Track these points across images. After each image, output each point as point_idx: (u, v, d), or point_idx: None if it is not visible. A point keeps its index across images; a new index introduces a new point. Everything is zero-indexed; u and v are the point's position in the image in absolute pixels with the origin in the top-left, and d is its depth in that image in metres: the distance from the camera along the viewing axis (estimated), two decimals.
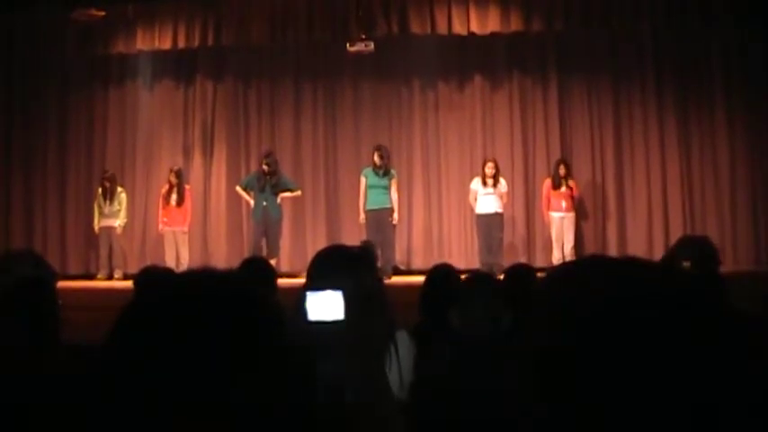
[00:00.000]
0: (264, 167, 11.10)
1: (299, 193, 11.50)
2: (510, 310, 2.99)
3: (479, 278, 3.50)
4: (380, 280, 2.32)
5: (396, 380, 2.27)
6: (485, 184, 11.00)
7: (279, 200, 11.12)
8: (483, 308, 2.98)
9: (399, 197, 11.14)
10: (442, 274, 4.62)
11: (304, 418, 0.90)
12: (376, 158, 10.83)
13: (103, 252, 11.77)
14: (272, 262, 9.92)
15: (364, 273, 2.23)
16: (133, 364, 0.88)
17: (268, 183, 11.03)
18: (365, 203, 10.78)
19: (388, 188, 10.81)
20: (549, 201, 11.32)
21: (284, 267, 11.03)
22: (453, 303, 3.09)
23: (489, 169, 11.01)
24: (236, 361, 0.87)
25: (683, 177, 11.87)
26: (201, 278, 0.96)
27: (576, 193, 11.40)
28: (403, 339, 2.46)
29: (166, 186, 11.69)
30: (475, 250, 11.33)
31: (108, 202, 11.67)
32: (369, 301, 2.14)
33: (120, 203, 11.72)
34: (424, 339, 3.35)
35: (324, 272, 2.27)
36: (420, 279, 5.27)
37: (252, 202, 11.16)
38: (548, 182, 11.42)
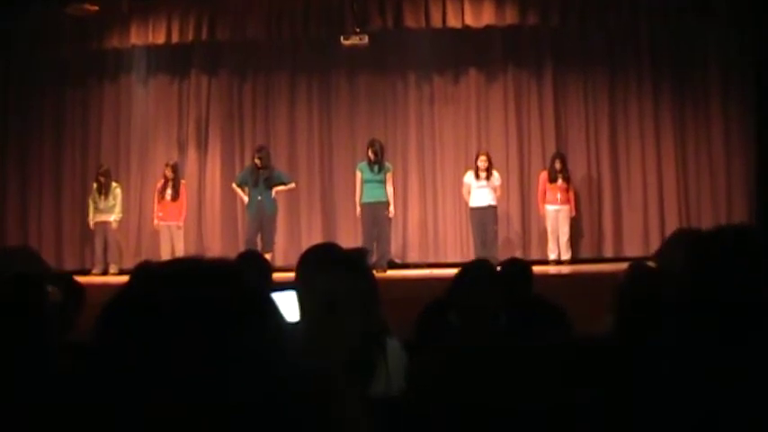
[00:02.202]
0: (257, 162, 11.09)
1: (293, 185, 11.47)
2: (508, 306, 2.97)
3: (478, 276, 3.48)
4: (369, 286, 2.25)
5: (382, 388, 2.23)
6: (477, 177, 10.98)
7: (273, 194, 11.11)
8: (481, 306, 2.95)
9: (394, 190, 11.12)
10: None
11: (298, 405, 0.89)
12: (370, 154, 10.82)
13: (99, 247, 11.74)
14: (267, 256, 9.91)
15: (346, 275, 2.19)
16: (120, 357, 0.87)
17: (261, 177, 11.01)
18: (361, 197, 10.78)
19: (383, 182, 10.79)
20: (544, 193, 11.32)
21: (279, 262, 11.00)
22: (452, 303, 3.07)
23: (482, 162, 11.00)
24: (227, 350, 0.86)
25: (678, 170, 11.88)
26: (189, 268, 0.95)
27: (571, 188, 11.39)
28: (394, 348, 2.42)
29: (162, 181, 11.66)
30: (471, 244, 11.33)
31: (103, 197, 11.64)
32: (336, 305, 2.10)
33: (114, 198, 11.68)
34: (422, 338, 3.33)
35: (304, 272, 2.25)
36: (415, 273, 5.26)
37: (246, 199, 11.14)
38: (544, 174, 11.41)
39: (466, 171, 11.40)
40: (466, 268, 4.41)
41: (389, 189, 10.85)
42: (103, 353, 0.89)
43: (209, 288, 0.91)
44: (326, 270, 2.20)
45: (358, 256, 2.34)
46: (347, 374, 2.00)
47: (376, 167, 10.77)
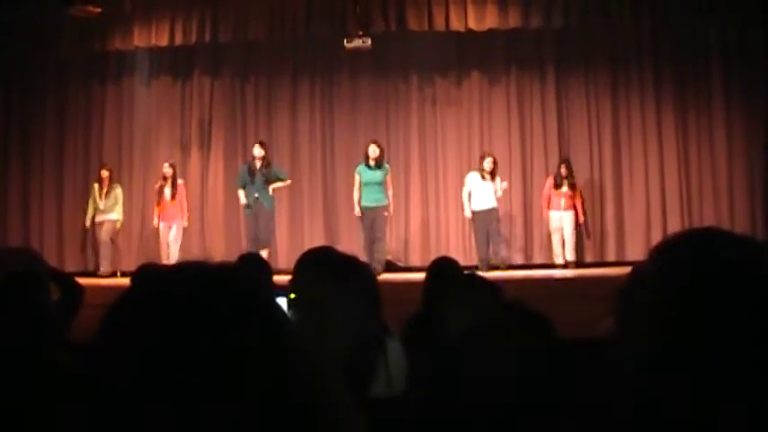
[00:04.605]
0: (256, 152, 11.09)
1: (288, 182, 11.45)
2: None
3: (475, 277, 3.49)
4: (367, 289, 2.24)
5: (383, 389, 2.23)
6: (483, 178, 10.94)
7: (270, 191, 11.10)
8: (478, 306, 2.95)
9: (396, 192, 11.12)
10: (443, 267, 4.51)
11: (306, 408, 0.88)
12: (371, 151, 10.75)
13: (100, 248, 11.74)
14: (265, 252, 9.93)
15: (341, 277, 2.18)
16: (123, 362, 0.86)
17: (258, 175, 11.01)
18: (360, 199, 10.74)
19: (382, 183, 10.76)
20: (549, 199, 11.29)
21: (281, 264, 11.00)
22: (449, 301, 3.07)
23: (488, 164, 10.96)
24: (233, 355, 0.86)
25: (680, 172, 11.88)
26: (192, 272, 0.95)
27: (577, 194, 11.34)
28: (394, 349, 2.42)
29: (160, 182, 11.63)
30: (473, 245, 11.32)
31: (104, 197, 11.64)
32: (327, 307, 2.10)
33: (115, 199, 11.69)
34: (419, 335, 3.32)
35: (300, 274, 2.25)
36: (417, 275, 5.26)
37: (244, 201, 11.11)
38: (550, 180, 11.39)
39: (468, 173, 11.32)
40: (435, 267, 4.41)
41: (389, 191, 10.84)
42: (106, 354, 0.89)
43: (213, 292, 0.91)
44: (320, 273, 2.20)
45: (356, 259, 2.33)
46: (347, 376, 2.00)
47: (375, 169, 10.75)
